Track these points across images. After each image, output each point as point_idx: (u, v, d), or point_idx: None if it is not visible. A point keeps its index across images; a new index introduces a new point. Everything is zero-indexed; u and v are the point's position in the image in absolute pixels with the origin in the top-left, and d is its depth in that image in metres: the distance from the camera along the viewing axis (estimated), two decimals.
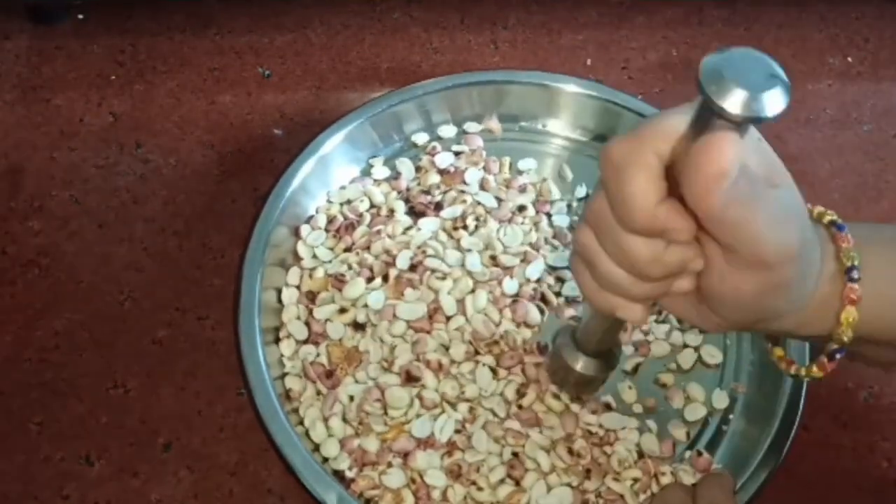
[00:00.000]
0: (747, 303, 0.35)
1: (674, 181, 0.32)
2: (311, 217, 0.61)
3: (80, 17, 0.70)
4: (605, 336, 0.46)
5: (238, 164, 0.64)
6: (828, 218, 0.39)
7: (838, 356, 0.39)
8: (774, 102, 0.29)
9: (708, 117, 0.30)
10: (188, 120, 0.66)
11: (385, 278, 0.58)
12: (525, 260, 0.59)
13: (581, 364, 0.49)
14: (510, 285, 0.58)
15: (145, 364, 0.56)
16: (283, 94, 0.67)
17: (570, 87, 0.65)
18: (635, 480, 0.53)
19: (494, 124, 0.66)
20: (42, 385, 0.55)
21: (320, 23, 0.71)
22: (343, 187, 0.62)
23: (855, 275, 0.37)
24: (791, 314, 0.38)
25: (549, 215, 0.62)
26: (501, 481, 0.52)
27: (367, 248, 0.59)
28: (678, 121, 0.32)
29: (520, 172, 0.64)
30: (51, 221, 0.61)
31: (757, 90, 0.28)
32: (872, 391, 0.58)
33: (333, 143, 0.61)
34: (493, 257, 0.59)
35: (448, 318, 0.57)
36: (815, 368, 0.41)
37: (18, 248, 0.60)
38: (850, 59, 0.73)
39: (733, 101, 0.28)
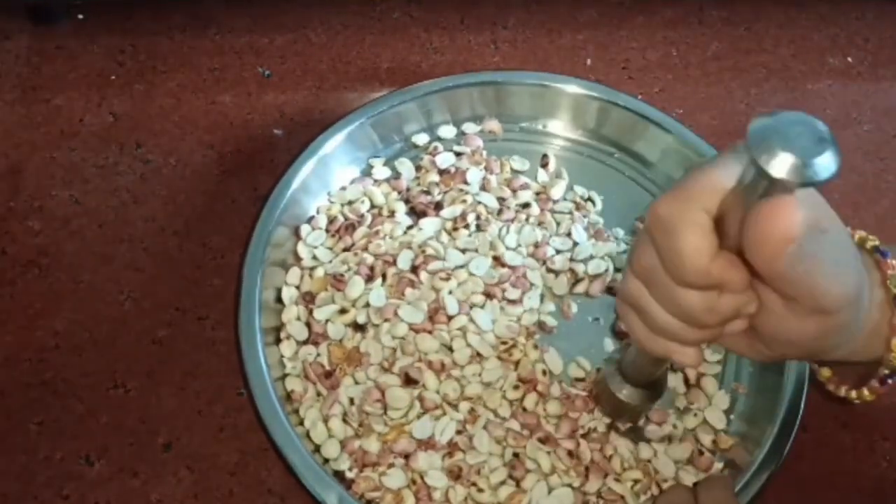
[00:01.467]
0: (803, 343, 0.35)
1: (723, 233, 0.32)
2: (312, 217, 0.61)
3: (80, 17, 0.70)
4: (652, 369, 0.47)
5: (238, 164, 0.64)
6: (870, 244, 0.40)
7: (890, 381, 0.40)
8: (826, 166, 0.29)
9: (761, 179, 0.30)
10: (188, 120, 0.66)
11: (384, 278, 0.58)
12: (534, 255, 0.60)
13: (625, 393, 0.50)
14: (530, 300, 0.59)
15: (145, 364, 0.56)
16: (283, 94, 0.67)
17: (570, 88, 0.65)
18: (636, 482, 0.53)
19: (495, 125, 0.66)
20: (42, 385, 0.55)
21: (320, 23, 0.71)
22: (343, 188, 0.62)
23: None
24: (844, 346, 0.38)
25: (552, 213, 0.62)
26: (502, 482, 0.52)
27: (367, 249, 0.59)
28: (725, 175, 0.32)
29: (519, 172, 0.64)
30: (51, 221, 0.61)
31: (808, 156, 0.28)
32: None
33: (334, 144, 0.61)
34: (497, 258, 0.59)
35: (450, 319, 0.57)
36: (866, 393, 0.42)
37: (18, 248, 0.60)
38: (850, 59, 0.73)
39: (787, 169, 0.28)
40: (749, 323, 0.36)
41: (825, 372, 0.45)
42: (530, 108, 0.66)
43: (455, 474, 0.52)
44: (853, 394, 0.43)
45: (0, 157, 0.63)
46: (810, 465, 0.55)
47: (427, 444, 0.53)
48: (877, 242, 0.40)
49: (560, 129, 0.66)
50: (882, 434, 0.57)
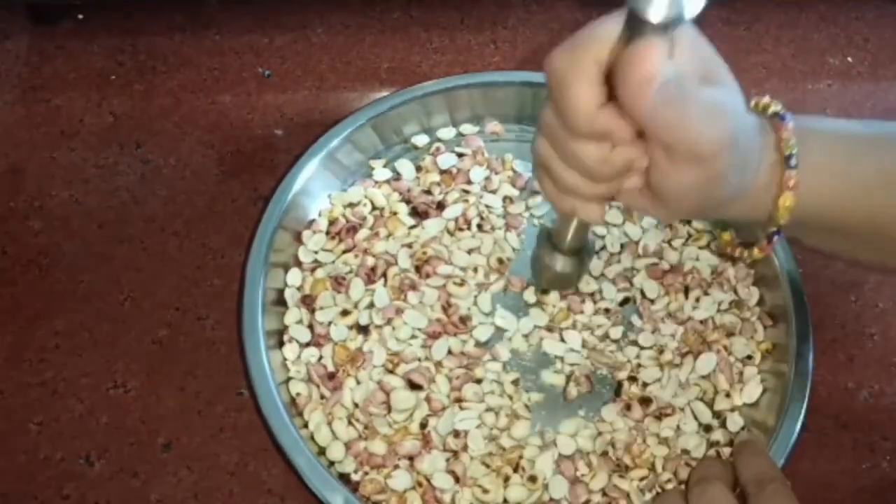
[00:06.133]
0: (690, 193, 0.38)
1: (613, 87, 0.35)
2: (313, 221, 0.61)
3: (80, 17, 0.70)
4: (575, 234, 0.49)
5: (238, 165, 0.64)
6: (772, 109, 0.42)
7: (776, 238, 0.43)
8: (693, 3, 0.31)
9: (635, 22, 0.32)
10: (188, 120, 0.66)
11: (386, 280, 0.58)
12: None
13: (560, 263, 0.52)
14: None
15: (145, 364, 0.56)
16: (283, 94, 0.67)
17: None
18: (641, 479, 0.53)
19: (496, 126, 0.66)
20: (42, 385, 0.55)
21: (320, 23, 0.71)
22: (344, 190, 0.62)
23: (793, 162, 0.40)
24: (734, 202, 0.40)
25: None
26: (507, 480, 0.52)
27: (369, 251, 0.59)
28: (612, 27, 0.34)
29: (518, 173, 0.64)
30: (51, 221, 0.61)
31: None
32: (872, 391, 0.58)
33: (335, 145, 0.61)
34: (501, 259, 0.59)
35: (458, 321, 0.57)
36: (756, 251, 0.45)
37: (18, 248, 0.60)
38: (850, 59, 0.73)
39: (654, 9, 0.31)
40: (645, 181, 0.39)
41: (725, 236, 0.48)
42: (530, 108, 0.66)
43: (460, 476, 0.52)
44: (745, 253, 0.46)
45: (0, 157, 0.63)
46: (810, 465, 0.55)
47: (432, 445, 0.53)
48: (779, 109, 0.42)
49: None
50: (882, 434, 0.57)
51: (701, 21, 0.36)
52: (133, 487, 0.52)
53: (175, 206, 0.62)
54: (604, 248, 0.60)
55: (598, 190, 0.39)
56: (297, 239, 0.60)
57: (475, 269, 0.59)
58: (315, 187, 0.61)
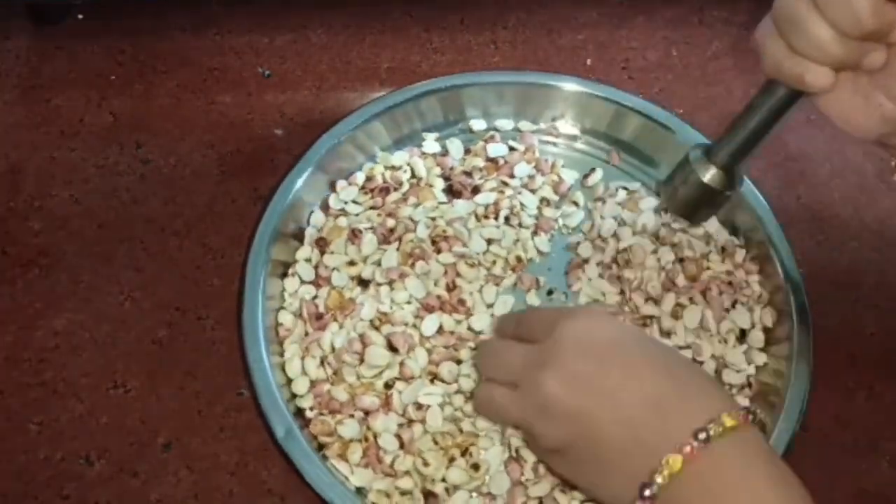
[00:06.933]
0: None
1: None
2: (351, 173, 0.62)
3: (80, 17, 0.70)
4: (757, 128, 0.47)
5: (238, 165, 0.64)
6: None
7: None
8: None
9: None
10: (188, 120, 0.66)
11: (400, 243, 0.59)
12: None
13: (709, 175, 0.50)
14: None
15: (145, 364, 0.56)
16: (283, 94, 0.67)
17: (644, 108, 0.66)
18: (583, 502, 0.51)
19: (572, 128, 0.66)
20: (42, 385, 0.55)
21: (320, 23, 0.71)
22: (390, 151, 0.64)
23: None
24: None
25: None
26: (452, 461, 0.52)
27: (393, 213, 0.60)
28: None
29: (562, 180, 0.64)
30: (51, 221, 0.61)
31: None
32: (872, 391, 0.58)
33: (371, 117, 0.63)
34: (519, 258, 0.59)
35: (458, 303, 0.57)
36: None
37: (18, 248, 0.60)
38: None
39: None
40: (889, 60, 0.39)
41: None
42: (606, 124, 0.66)
43: (407, 443, 0.52)
44: None
45: (0, 157, 0.63)
46: (810, 465, 0.55)
47: (390, 407, 0.53)
48: None
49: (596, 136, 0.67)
50: (882, 434, 0.57)
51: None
52: (133, 487, 0.52)
53: (175, 206, 0.62)
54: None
55: (844, 51, 0.39)
56: (332, 187, 0.62)
57: (493, 262, 0.59)
58: (364, 140, 0.63)
